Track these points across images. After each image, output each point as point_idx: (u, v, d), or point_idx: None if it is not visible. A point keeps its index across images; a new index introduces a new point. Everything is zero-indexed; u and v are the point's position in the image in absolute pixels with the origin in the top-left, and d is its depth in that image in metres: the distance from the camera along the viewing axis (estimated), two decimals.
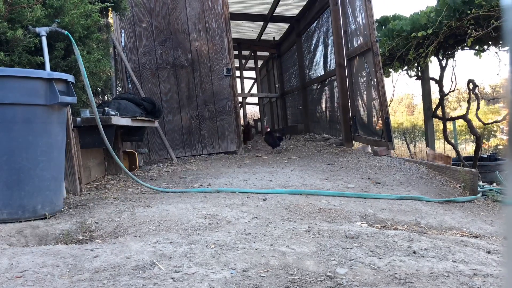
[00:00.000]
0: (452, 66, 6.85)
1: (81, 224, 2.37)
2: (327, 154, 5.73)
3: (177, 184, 3.77)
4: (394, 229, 2.44)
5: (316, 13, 8.11)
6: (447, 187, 3.63)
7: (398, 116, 15.05)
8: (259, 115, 14.24)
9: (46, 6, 3.22)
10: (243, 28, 10.78)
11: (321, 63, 8.26)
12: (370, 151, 5.99)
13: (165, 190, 3.39)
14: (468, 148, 10.86)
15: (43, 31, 3.04)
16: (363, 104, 5.97)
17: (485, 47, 5.98)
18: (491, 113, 10.63)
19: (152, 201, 2.91)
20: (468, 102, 6.98)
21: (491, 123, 8.06)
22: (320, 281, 1.51)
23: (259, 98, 12.88)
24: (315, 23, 8.51)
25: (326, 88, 8.02)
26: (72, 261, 1.73)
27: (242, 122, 7.51)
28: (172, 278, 1.52)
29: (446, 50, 6.47)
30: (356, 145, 6.94)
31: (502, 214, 2.96)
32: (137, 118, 4.35)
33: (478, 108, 7.07)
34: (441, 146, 10.09)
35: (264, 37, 11.60)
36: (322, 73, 8.19)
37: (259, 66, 14.26)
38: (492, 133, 10.04)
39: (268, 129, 6.60)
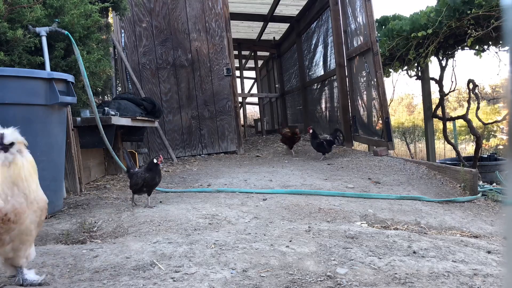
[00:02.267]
0: (452, 66, 6.86)
1: (81, 224, 2.37)
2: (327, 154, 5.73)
3: (177, 184, 3.77)
4: (394, 229, 2.44)
5: (316, 13, 8.11)
6: (447, 187, 3.63)
7: (398, 116, 15.07)
8: (259, 115, 14.23)
9: (46, 6, 3.22)
10: (243, 28, 10.78)
11: (321, 63, 8.26)
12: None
13: (165, 190, 3.39)
14: (468, 148, 10.85)
15: (43, 31, 3.04)
16: (363, 104, 5.97)
17: (485, 47, 5.97)
18: (491, 113, 10.62)
19: (152, 201, 2.91)
20: (468, 102, 6.98)
21: (491, 123, 8.06)
22: (320, 281, 1.51)
23: (259, 98, 12.88)
24: (315, 23, 8.51)
25: (326, 88, 8.01)
26: (72, 261, 1.73)
27: (288, 128, 6.13)
28: (172, 278, 1.52)
29: (446, 50, 6.47)
30: (356, 145, 6.94)
31: (502, 214, 2.96)
32: (137, 118, 4.35)
33: (478, 108, 7.07)
34: (441, 146, 10.09)
35: (264, 37, 11.60)
36: (322, 73, 8.19)
37: (259, 66, 14.26)
38: (492, 133, 10.03)
39: (311, 130, 5.40)
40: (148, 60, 6.14)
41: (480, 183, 3.72)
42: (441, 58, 6.73)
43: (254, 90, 14.59)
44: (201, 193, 3.25)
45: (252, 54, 12.74)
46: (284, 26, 10.61)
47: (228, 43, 6.26)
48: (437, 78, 6.95)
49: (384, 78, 5.46)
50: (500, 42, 5.60)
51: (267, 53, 13.05)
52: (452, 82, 6.90)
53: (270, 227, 2.24)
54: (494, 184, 4.07)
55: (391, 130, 5.14)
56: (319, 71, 8.46)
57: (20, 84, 2.34)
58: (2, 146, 1.34)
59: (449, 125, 9.48)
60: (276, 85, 12.61)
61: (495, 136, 10.09)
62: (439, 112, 7.10)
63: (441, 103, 7.04)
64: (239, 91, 9.80)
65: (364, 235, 2.06)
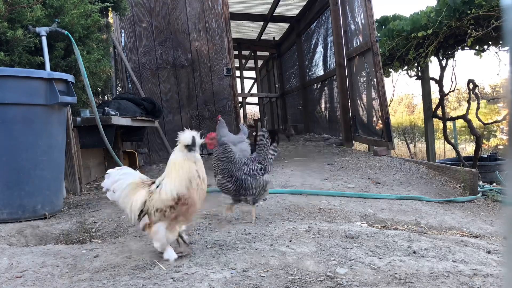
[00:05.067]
0: (452, 66, 6.85)
1: (81, 224, 2.37)
2: (327, 154, 5.73)
3: None
4: (394, 229, 2.44)
5: (316, 13, 8.11)
6: (447, 187, 3.63)
7: (398, 116, 15.05)
8: (259, 115, 14.24)
9: (46, 6, 3.22)
10: (243, 28, 10.78)
11: (321, 63, 8.27)
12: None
13: None
14: (468, 148, 10.85)
15: (43, 31, 3.04)
16: (363, 104, 5.97)
17: (485, 47, 5.97)
18: (491, 113, 10.61)
19: None
20: (468, 102, 6.98)
21: (491, 123, 8.06)
22: (320, 281, 1.51)
23: (259, 98, 12.88)
24: (315, 23, 8.51)
25: (326, 88, 8.02)
26: (72, 261, 1.73)
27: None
28: (172, 278, 1.52)
29: (446, 50, 6.47)
30: (356, 145, 6.94)
31: (502, 214, 2.96)
32: (137, 118, 4.35)
33: (478, 108, 7.07)
34: (441, 146, 10.08)
35: (264, 37, 11.60)
36: (322, 73, 8.19)
37: (259, 66, 14.26)
38: (492, 133, 10.03)
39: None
40: (148, 60, 6.14)
41: (480, 183, 3.72)
42: (441, 58, 6.73)
43: (254, 90, 14.60)
44: None
45: (252, 54, 12.75)
46: (284, 26, 10.61)
47: (228, 43, 6.26)
48: (437, 78, 6.95)
49: (384, 78, 5.46)
50: (500, 42, 5.60)
51: (267, 53, 13.05)
52: (452, 82, 6.91)
53: (270, 227, 2.24)
54: (494, 184, 4.07)
55: (391, 130, 5.14)
56: (319, 71, 8.46)
57: (20, 84, 2.34)
58: (194, 147, 1.67)
59: (449, 125, 9.47)
60: (276, 85, 12.62)
61: (495, 136, 10.09)
62: (439, 112, 7.09)
63: (441, 103, 7.03)
64: (239, 91, 9.81)
65: (364, 235, 2.06)
